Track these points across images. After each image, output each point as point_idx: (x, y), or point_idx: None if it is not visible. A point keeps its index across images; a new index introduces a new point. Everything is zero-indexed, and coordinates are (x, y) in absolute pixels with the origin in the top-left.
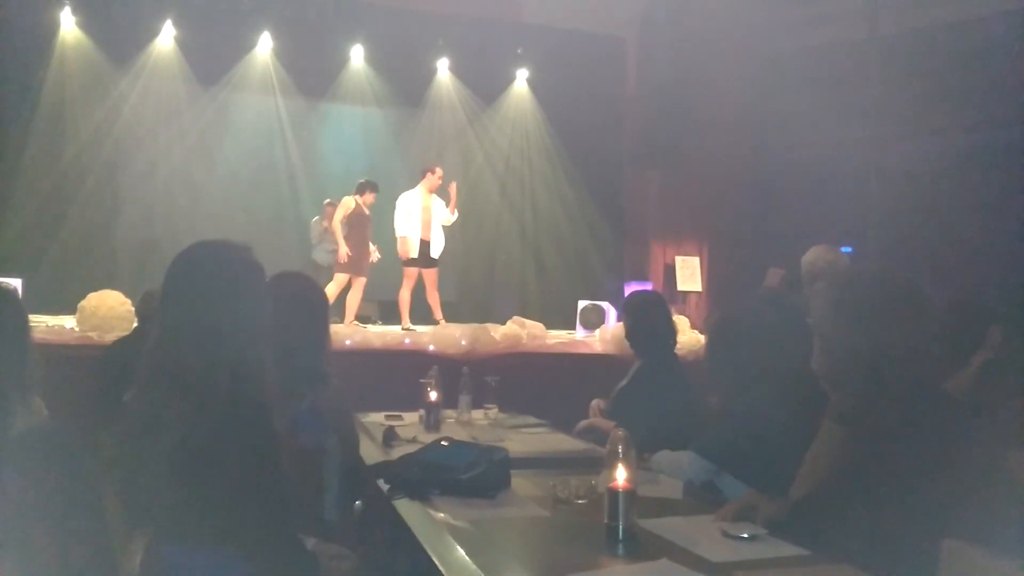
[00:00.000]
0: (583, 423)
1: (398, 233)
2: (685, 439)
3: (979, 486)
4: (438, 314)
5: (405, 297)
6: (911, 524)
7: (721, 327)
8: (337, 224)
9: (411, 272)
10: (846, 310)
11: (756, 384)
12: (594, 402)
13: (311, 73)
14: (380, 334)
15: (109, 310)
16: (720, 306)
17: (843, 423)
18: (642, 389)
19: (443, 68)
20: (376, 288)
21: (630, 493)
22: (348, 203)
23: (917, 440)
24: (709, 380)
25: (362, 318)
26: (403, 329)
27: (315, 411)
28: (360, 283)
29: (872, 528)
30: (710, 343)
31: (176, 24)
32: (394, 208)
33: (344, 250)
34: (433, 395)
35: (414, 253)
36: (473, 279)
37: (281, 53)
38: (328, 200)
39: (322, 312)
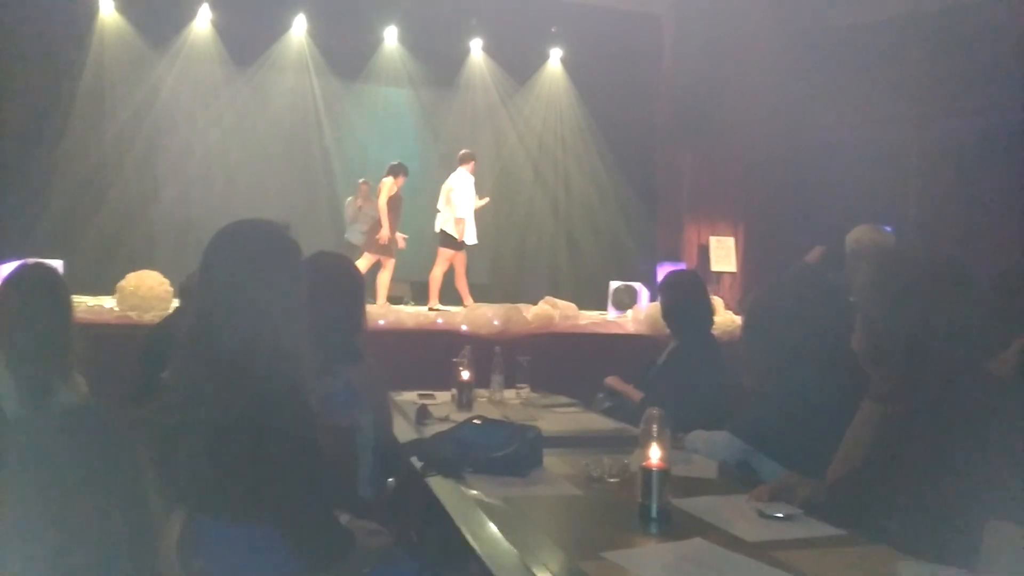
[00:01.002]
0: (608, 379)
1: (458, 214)
2: (720, 419)
3: (1022, 465)
4: (469, 300)
5: (438, 277)
6: (952, 504)
7: (759, 305)
8: (383, 205)
9: (452, 255)
10: (889, 288)
11: (793, 363)
12: (609, 379)
13: (345, 54)
14: (413, 314)
15: (148, 290)
16: (756, 286)
17: (883, 403)
18: (678, 369)
19: (476, 48)
20: (409, 268)
21: (664, 472)
22: (390, 185)
23: (959, 420)
24: (745, 360)
25: (395, 298)
26: (430, 309)
27: (350, 389)
28: (391, 264)
29: (911, 508)
30: (747, 321)
31: (212, 7)
32: (425, 189)
33: (387, 232)
34: (465, 374)
35: (470, 237)
36: (505, 259)
37: (316, 34)
38: (363, 179)
39: (358, 292)
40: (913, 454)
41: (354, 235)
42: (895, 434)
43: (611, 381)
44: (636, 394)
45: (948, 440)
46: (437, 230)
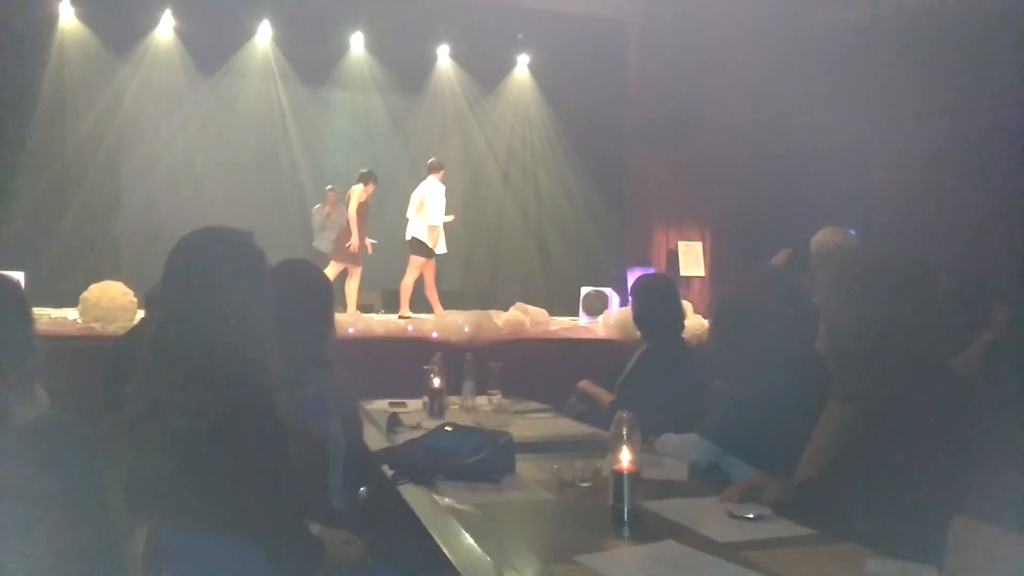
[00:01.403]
0: (580, 383)
1: (432, 222)
2: (691, 422)
3: (987, 462)
4: (439, 308)
5: (409, 284)
6: (919, 502)
7: (725, 307)
8: (353, 213)
9: (423, 263)
10: (852, 289)
11: (760, 365)
12: (582, 383)
13: (311, 60)
14: (383, 322)
15: (111, 301)
16: (723, 290)
17: (848, 402)
18: (648, 372)
19: (443, 55)
20: (379, 277)
21: (634, 475)
22: (360, 192)
23: (924, 418)
24: (714, 362)
25: (365, 307)
26: (400, 317)
27: (320, 398)
28: (358, 272)
29: (879, 507)
30: (714, 323)
31: (175, 14)
32: (394, 196)
33: (356, 240)
34: (437, 382)
35: (441, 246)
36: (476, 266)
37: (281, 41)
38: (330, 186)
39: (327, 300)
40: (879, 452)
41: (322, 243)
42: (861, 433)
43: (583, 385)
44: (607, 397)
45: (913, 438)
46: (408, 238)
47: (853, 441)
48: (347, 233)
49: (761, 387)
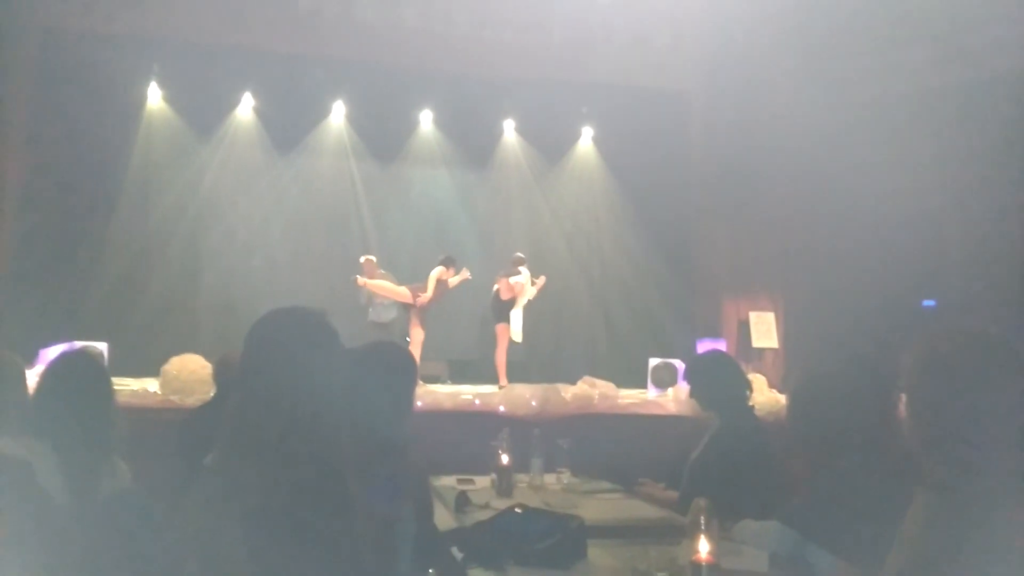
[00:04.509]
0: (641, 485)
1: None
2: (769, 507)
3: None
4: (504, 379)
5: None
6: None
7: (805, 386)
8: (433, 279)
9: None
10: (937, 370)
11: (846, 448)
12: (642, 484)
13: (383, 138)
14: (450, 395)
15: (191, 374)
16: (801, 364)
17: (940, 492)
18: (723, 453)
19: (509, 129)
20: (444, 347)
21: (713, 567)
22: (441, 272)
23: (1018, 508)
24: (793, 444)
25: (431, 377)
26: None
27: (393, 480)
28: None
29: None
30: (792, 403)
31: (255, 95)
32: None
33: (429, 294)
34: (505, 458)
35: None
36: (541, 337)
37: (354, 119)
38: (366, 257)
39: (410, 385)
40: (972, 544)
41: (376, 313)
42: (953, 523)
43: (645, 488)
44: (668, 495)
45: (1008, 530)
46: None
47: (945, 531)
48: (400, 295)
49: (846, 472)
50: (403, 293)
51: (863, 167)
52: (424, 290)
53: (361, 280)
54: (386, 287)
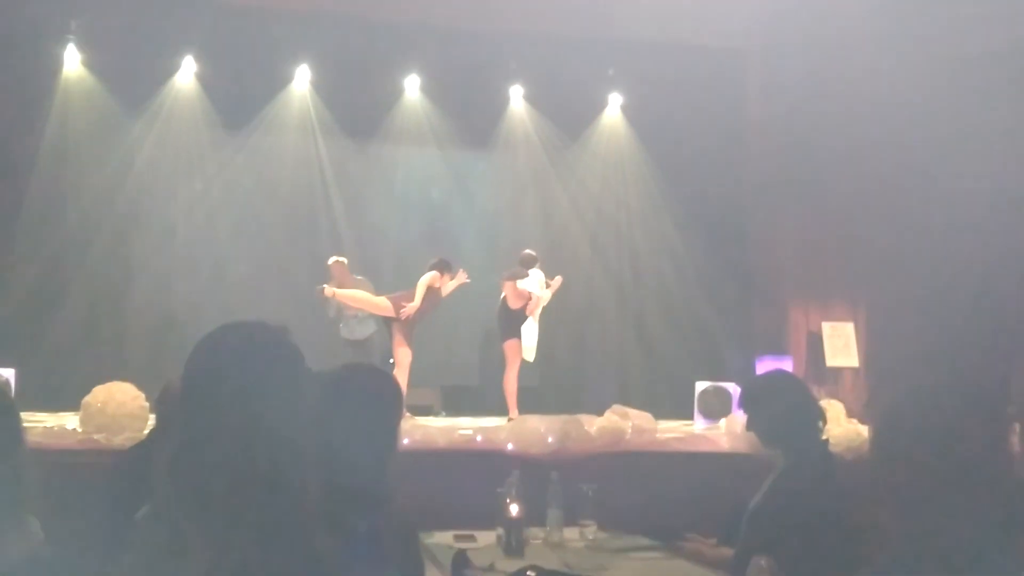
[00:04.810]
0: (687, 542)
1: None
2: (847, 568)
3: None
4: (515, 410)
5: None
6: None
7: (893, 415)
8: (422, 285)
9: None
10: None
11: (944, 492)
12: (688, 542)
13: (358, 109)
14: (445, 429)
15: (119, 407)
16: (888, 386)
17: None
18: (785, 501)
19: (516, 97)
20: (438, 370)
21: None
22: (433, 277)
23: None
24: (877, 487)
25: (421, 408)
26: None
27: (374, 536)
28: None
29: None
30: (877, 436)
31: (198, 58)
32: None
33: (416, 304)
34: (514, 509)
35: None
36: (558, 357)
37: (321, 87)
38: (335, 258)
39: (394, 416)
40: None
41: (349, 329)
42: None
43: (691, 545)
44: (721, 553)
45: None
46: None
47: None
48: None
49: (947, 522)
50: (381, 305)
51: (964, 139)
52: (409, 299)
53: (329, 289)
54: (359, 297)
